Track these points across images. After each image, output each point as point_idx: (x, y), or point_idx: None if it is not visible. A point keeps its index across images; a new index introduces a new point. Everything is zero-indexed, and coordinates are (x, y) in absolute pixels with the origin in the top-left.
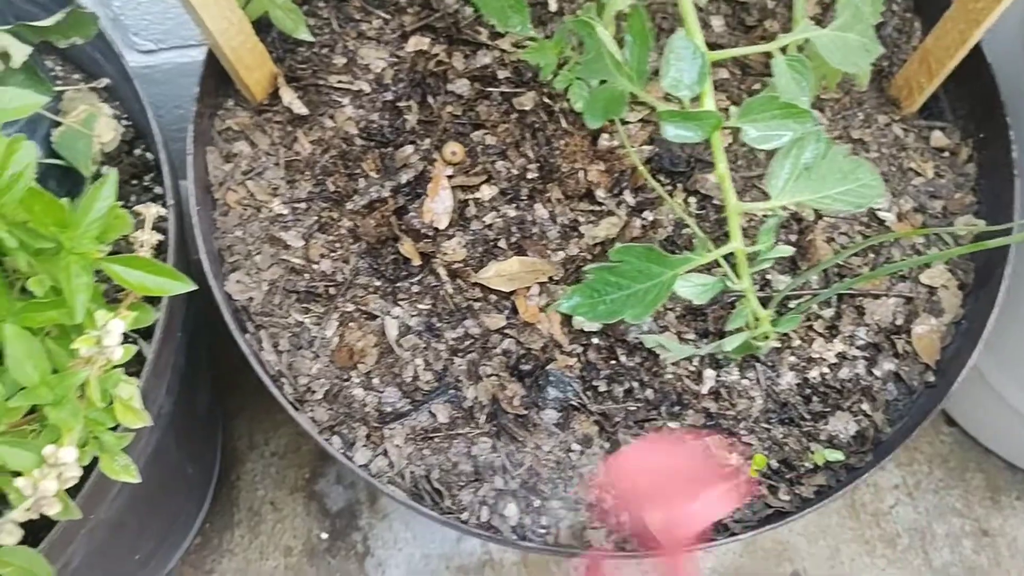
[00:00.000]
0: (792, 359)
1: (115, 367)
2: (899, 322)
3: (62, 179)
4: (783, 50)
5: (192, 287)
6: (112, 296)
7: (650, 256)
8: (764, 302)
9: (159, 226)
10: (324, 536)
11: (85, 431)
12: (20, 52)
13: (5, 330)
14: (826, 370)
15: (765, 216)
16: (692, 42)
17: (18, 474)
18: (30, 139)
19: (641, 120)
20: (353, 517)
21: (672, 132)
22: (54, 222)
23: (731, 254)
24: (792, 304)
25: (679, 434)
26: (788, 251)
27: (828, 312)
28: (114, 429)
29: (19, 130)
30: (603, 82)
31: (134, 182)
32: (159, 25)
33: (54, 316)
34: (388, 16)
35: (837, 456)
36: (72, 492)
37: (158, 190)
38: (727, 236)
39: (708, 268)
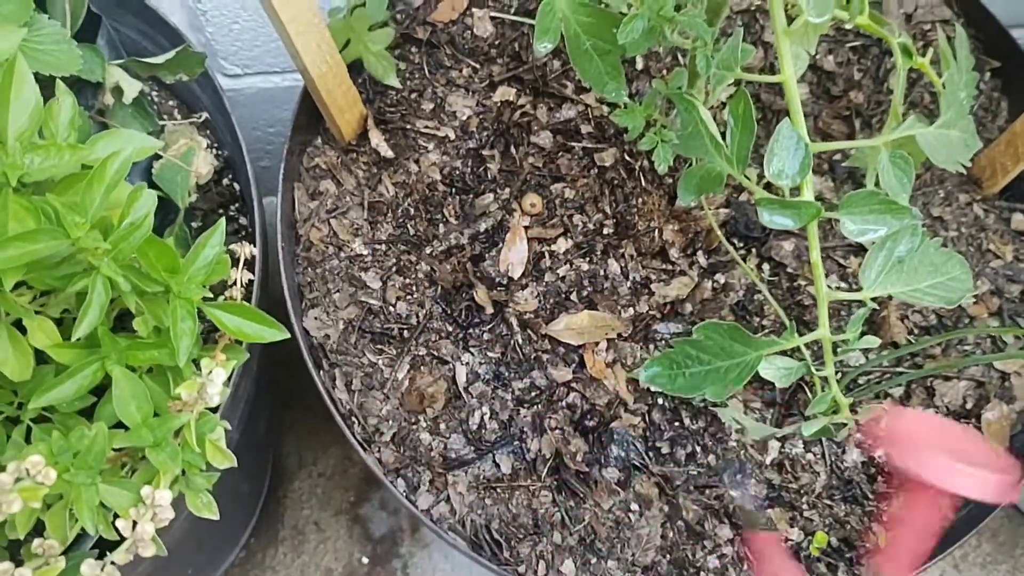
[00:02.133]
0: (859, 436)
1: (210, 410)
2: (969, 406)
3: (156, 208)
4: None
5: (286, 335)
6: (206, 335)
7: (734, 335)
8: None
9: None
10: (365, 560)
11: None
12: (131, 88)
13: (113, 371)
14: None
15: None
16: (797, 132)
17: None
18: (133, 170)
19: None
20: (394, 544)
21: (768, 218)
22: (165, 268)
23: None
24: (861, 380)
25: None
26: (875, 342)
27: (898, 391)
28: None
29: None
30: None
31: (220, 210)
32: (247, 52)
33: (156, 356)
34: (477, 65)
35: None
36: None
37: (243, 220)
38: (799, 306)
39: (791, 350)
